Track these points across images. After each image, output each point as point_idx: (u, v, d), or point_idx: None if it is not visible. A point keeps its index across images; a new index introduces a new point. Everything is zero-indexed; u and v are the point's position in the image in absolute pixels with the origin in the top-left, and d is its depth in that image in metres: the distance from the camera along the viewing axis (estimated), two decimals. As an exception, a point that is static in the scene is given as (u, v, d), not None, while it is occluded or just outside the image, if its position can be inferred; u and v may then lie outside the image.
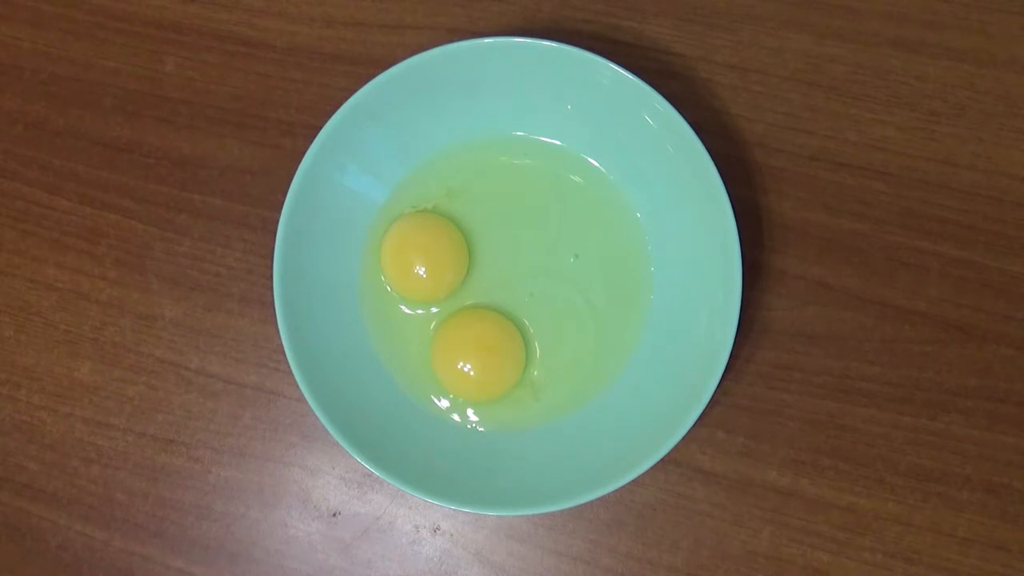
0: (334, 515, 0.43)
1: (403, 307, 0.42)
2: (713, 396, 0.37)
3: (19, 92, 0.47)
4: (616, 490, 0.37)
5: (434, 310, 0.42)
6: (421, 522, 0.43)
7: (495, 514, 0.42)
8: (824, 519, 0.41)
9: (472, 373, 0.40)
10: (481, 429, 0.41)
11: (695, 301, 0.39)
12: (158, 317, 0.45)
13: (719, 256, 0.38)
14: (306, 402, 0.38)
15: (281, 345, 0.38)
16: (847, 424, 0.41)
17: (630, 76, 0.38)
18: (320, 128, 0.39)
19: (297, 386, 0.38)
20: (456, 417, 0.41)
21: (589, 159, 0.42)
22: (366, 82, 0.39)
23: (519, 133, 0.43)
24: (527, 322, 0.42)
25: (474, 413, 0.41)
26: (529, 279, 0.42)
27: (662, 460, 0.37)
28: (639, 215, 0.42)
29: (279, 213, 0.39)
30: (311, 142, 0.39)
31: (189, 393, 0.44)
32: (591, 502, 0.40)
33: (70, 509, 0.44)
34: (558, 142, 0.42)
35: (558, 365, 0.42)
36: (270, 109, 0.45)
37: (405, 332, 0.42)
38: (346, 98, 0.39)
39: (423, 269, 0.41)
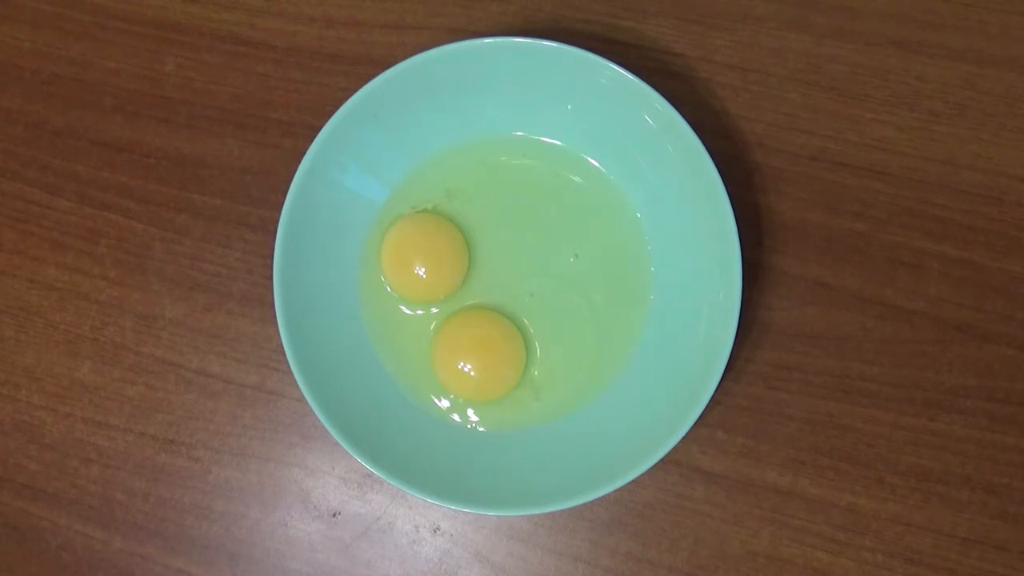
0: (334, 515, 0.43)
1: (403, 307, 0.42)
2: (713, 396, 0.37)
3: (19, 92, 0.47)
4: (616, 490, 0.37)
5: (434, 310, 0.42)
6: (421, 522, 0.43)
7: (495, 514, 0.42)
8: (824, 519, 0.41)
9: (472, 373, 0.40)
10: (481, 429, 0.41)
11: (695, 301, 0.39)
12: (158, 317, 0.45)
13: (719, 256, 0.38)
14: (306, 402, 0.38)
15: (281, 345, 0.38)
16: (847, 424, 0.41)
17: (630, 76, 0.38)
18: (320, 128, 0.39)
19: (297, 386, 0.38)
20: (456, 417, 0.41)
21: (589, 159, 0.42)
22: (366, 82, 0.39)
23: (519, 133, 0.43)
24: (527, 322, 0.42)
25: (474, 413, 0.41)
26: (529, 279, 0.42)
27: (662, 460, 0.37)
28: (639, 215, 0.42)
29: (279, 213, 0.39)
30: (311, 142, 0.39)
31: (189, 393, 0.44)
32: (591, 502, 0.40)
33: (70, 509, 0.44)
34: (558, 142, 0.42)
35: (558, 365, 0.42)
36: (270, 109, 0.45)
37: (405, 332, 0.42)
38: (346, 98, 0.39)
39: (423, 269, 0.41)
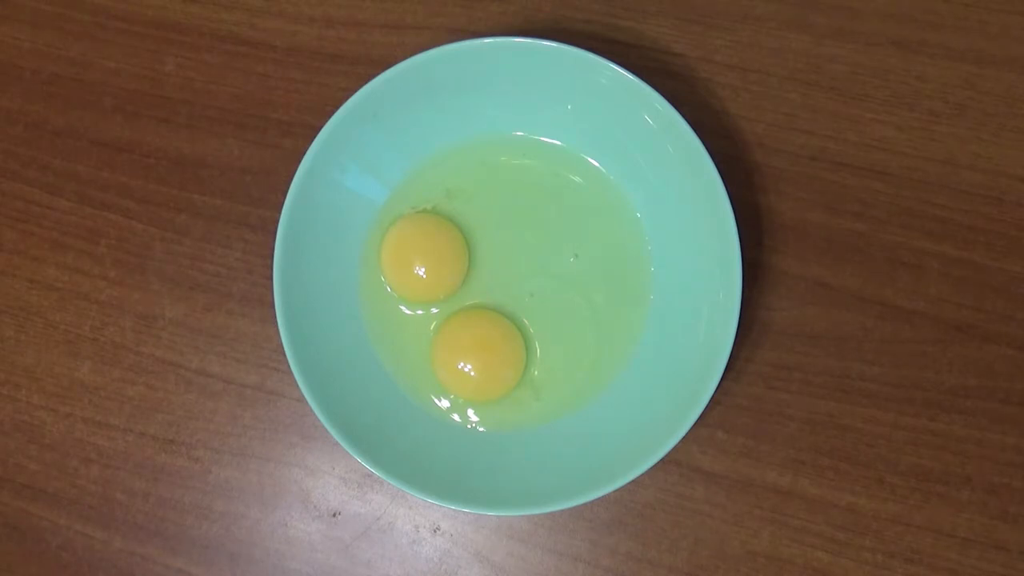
0: (334, 515, 0.43)
1: (403, 307, 0.42)
2: (713, 396, 0.37)
3: (19, 92, 0.47)
4: (616, 490, 0.37)
5: (434, 310, 0.42)
6: (421, 522, 0.43)
7: (495, 514, 0.42)
8: (824, 519, 0.41)
9: (472, 373, 0.40)
10: (481, 429, 0.41)
11: (695, 301, 0.39)
12: (158, 317, 0.45)
13: (719, 256, 0.38)
14: (306, 402, 0.38)
15: (281, 345, 0.38)
16: (847, 424, 0.41)
17: (630, 76, 0.38)
18: (320, 128, 0.39)
19: (297, 386, 0.38)
20: (456, 417, 0.41)
21: (589, 159, 0.42)
22: (366, 82, 0.39)
23: (519, 133, 0.43)
24: (527, 322, 0.42)
25: (474, 413, 0.41)
26: (529, 279, 0.42)
27: (662, 460, 0.37)
28: (639, 215, 0.42)
29: (279, 213, 0.39)
30: (311, 142, 0.39)
31: (189, 393, 0.44)
32: (591, 502, 0.40)
33: (70, 509, 0.44)
34: (558, 142, 0.42)
35: (558, 365, 0.42)
36: (270, 109, 0.45)
37: (405, 332, 0.42)
38: (346, 98, 0.39)
39: (423, 269, 0.41)
